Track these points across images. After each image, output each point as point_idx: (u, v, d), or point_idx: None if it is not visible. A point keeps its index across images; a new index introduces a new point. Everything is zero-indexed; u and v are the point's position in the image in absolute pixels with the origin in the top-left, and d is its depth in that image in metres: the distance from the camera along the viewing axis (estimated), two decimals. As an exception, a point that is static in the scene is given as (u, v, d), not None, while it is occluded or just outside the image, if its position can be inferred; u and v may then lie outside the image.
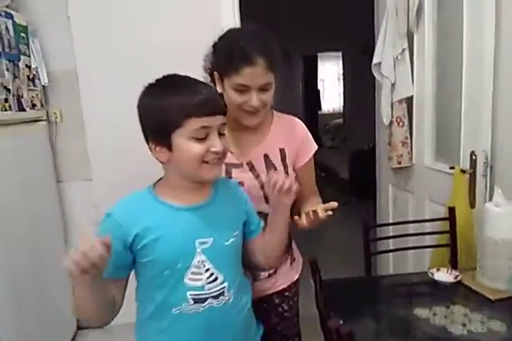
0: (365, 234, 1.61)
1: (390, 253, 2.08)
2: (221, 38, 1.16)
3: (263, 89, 1.11)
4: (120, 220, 0.94)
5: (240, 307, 1.06)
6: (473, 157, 1.60)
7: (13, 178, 1.94)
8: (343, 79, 6.74)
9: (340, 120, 7.31)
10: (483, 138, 1.59)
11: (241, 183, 1.18)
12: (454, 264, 1.59)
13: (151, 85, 0.97)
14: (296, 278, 1.37)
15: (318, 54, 7.68)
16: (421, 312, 1.22)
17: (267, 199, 1.19)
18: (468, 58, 1.64)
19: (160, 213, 0.97)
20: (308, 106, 7.30)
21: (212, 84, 1.18)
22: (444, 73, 1.89)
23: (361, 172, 4.45)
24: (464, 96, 1.67)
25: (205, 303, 0.98)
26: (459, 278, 1.37)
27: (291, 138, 1.24)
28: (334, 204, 1.04)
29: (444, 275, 1.39)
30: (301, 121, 1.30)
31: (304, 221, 1.08)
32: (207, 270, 0.98)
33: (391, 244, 1.87)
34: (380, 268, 2.44)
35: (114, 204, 0.99)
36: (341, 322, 1.00)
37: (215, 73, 1.16)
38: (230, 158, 1.15)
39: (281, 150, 1.22)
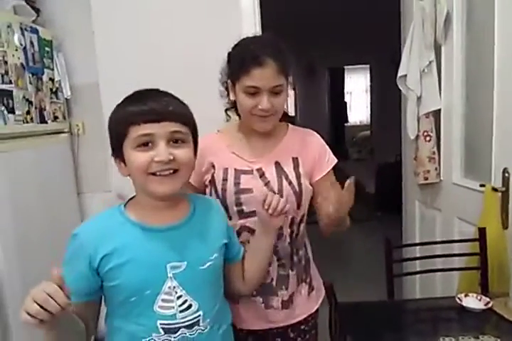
0: (388, 254, 1.52)
1: (416, 275, 1.98)
2: (235, 46, 1.16)
3: (274, 92, 1.09)
4: (85, 241, 0.89)
5: (217, 337, 0.96)
6: (506, 174, 1.51)
7: (35, 189, 1.96)
8: (371, 91, 6.66)
9: (367, 132, 7.19)
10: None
11: (249, 190, 1.13)
12: (484, 289, 1.49)
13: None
14: (315, 309, 1.26)
15: (346, 67, 7.62)
16: (447, 342, 1.13)
17: None
18: (499, 70, 1.55)
19: (129, 234, 0.90)
20: (335, 119, 7.23)
21: (226, 97, 1.19)
22: (473, 86, 1.81)
23: (388, 186, 4.32)
24: (495, 110, 1.58)
25: (177, 334, 0.89)
26: (489, 305, 1.27)
27: (306, 149, 1.20)
28: (349, 182, 1.00)
29: (473, 302, 1.30)
30: (317, 134, 1.26)
31: (329, 208, 1.03)
32: (179, 297, 0.90)
33: (417, 265, 1.77)
34: (405, 291, 2.33)
35: (81, 224, 0.94)
36: None
37: (228, 81, 1.16)
38: (240, 164, 1.15)
39: (294, 159, 1.18)
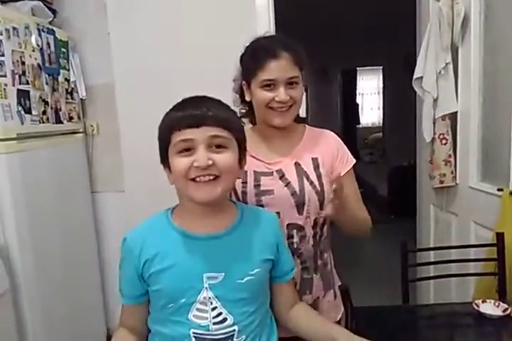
0: (404, 259, 1.50)
1: (431, 281, 1.95)
2: (246, 48, 1.17)
3: (290, 83, 1.09)
4: (132, 246, 0.90)
5: None
6: (525, 178, 1.48)
7: (51, 187, 1.99)
8: (383, 93, 6.61)
9: (380, 134, 7.15)
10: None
11: (270, 191, 1.12)
12: (502, 295, 1.46)
13: None
14: (338, 318, 1.23)
15: (358, 68, 7.58)
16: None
17: (298, 209, 1.12)
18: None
19: (171, 240, 0.90)
20: (347, 120, 7.19)
21: (240, 104, 1.21)
22: (491, 88, 1.78)
23: (400, 189, 4.30)
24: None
25: None
26: (508, 312, 1.24)
27: (324, 149, 1.19)
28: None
29: (490, 308, 1.27)
30: (335, 134, 1.25)
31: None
32: (214, 308, 0.88)
33: (432, 270, 1.75)
34: (420, 297, 2.30)
35: (132, 228, 0.95)
36: None
37: (243, 82, 1.16)
38: (259, 166, 1.14)
39: (314, 159, 1.16)
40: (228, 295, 0.89)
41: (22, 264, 1.74)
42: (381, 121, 7.10)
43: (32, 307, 1.78)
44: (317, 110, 6.43)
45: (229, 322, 0.89)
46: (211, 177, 0.86)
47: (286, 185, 1.12)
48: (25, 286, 1.75)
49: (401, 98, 4.81)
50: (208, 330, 0.88)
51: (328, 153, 1.18)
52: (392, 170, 4.96)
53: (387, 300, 1.51)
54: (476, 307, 1.26)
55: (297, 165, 1.15)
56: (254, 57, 1.09)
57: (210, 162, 0.85)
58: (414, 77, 2.04)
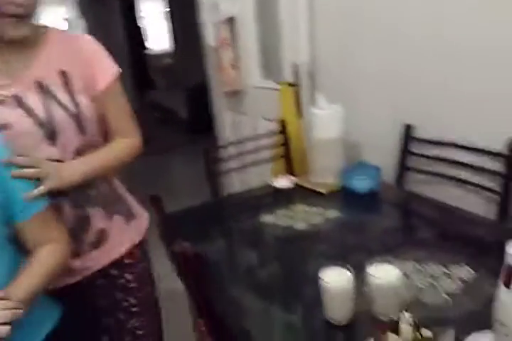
0: (206, 156, 1.60)
1: (232, 173, 2.08)
2: None
3: None
4: None
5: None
6: (296, 69, 1.68)
7: None
8: (171, 16, 6.40)
9: (171, 60, 7.04)
10: (303, 51, 1.66)
11: (7, 125, 0.86)
12: (290, 172, 1.71)
13: None
14: (138, 240, 1.09)
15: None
16: (267, 218, 1.28)
17: (51, 142, 0.90)
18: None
19: None
20: (133, 46, 6.80)
21: None
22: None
23: (200, 109, 4.41)
24: (281, 12, 1.70)
25: None
26: (295, 181, 1.48)
27: (76, 58, 0.95)
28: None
29: (282, 182, 1.49)
30: (92, 38, 1.01)
31: None
32: None
33: (234, 164, 1.89)
34: (228, 191, 2.50)
35: None
36: (187, 244, 0.91)
37: None
38: None
39: (63, 74, 0.92)
40: None
41: None
42: (171, 47, 6.96)
43: None
44: (98, 38, 5.87)
45: None
46: None
47: (28, 114, 0.89)
48: None
49: (187, 20, 4.73)
50: None
51: (82, 62, 0.95)
52: (189, 92, 5.03)
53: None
54: (272, 185, 1.48)
55: (39, 84, 0.90)
56: None
57: None
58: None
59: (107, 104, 0.98)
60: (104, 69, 0.98)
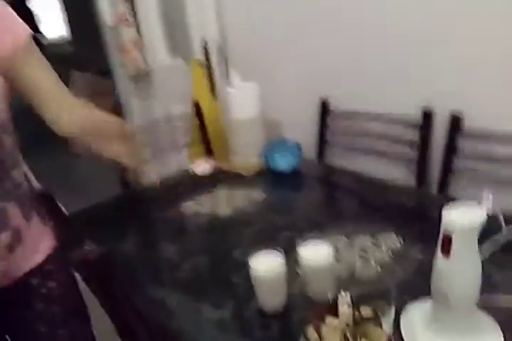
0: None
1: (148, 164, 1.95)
2: None
3: None
4: None
5: None
6: (205, 46, 1.57)
7: None
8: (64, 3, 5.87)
9: (71, 48, 6.52)
10: (212, 25, 1.56)
11: None
12: (210, 156, 1.62)
13: None
14: (55, 244, 0.95)
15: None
16: (188, 207, 1.19)
17: None
18: None
19: None
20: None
21: None
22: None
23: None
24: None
25: None
26: (216, 165, 1.40)
27: None
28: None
29: (201, 166, 1.40)
30: None
31: None
32: None
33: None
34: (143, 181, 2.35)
35: None
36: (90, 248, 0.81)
37: None
38: None
39: None
40: None
41: None
42: (68, 33, 6.42)
43: None
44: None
45: None
46: None
47: None
48: None
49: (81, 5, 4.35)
50: None
51: None
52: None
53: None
54: (190, 171, 1.39)
55: None
56: None
57: None
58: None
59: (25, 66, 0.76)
60: (11, 33, 0.75)
